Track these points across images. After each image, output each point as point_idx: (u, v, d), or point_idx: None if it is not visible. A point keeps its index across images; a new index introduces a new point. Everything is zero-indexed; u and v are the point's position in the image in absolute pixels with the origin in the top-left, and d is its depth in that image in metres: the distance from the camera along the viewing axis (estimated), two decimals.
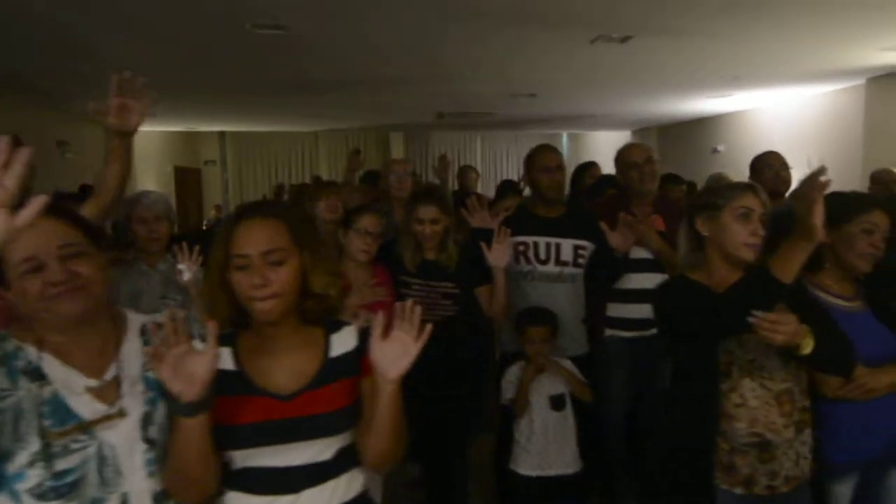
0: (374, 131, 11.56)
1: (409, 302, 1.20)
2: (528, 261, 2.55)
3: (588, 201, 3.35)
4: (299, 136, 11.45)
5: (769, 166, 2.93)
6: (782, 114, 8.07)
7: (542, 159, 2.57)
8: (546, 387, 2.39)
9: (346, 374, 1.26)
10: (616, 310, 2.59)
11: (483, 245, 2.30)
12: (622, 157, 2.69)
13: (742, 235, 1.53)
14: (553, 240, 2.53)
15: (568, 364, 2.41)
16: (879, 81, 6.24)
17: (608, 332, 2.62)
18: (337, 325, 1.32)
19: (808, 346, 1.40)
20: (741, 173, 3.46)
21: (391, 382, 1.17)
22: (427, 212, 2.32)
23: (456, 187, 5.91)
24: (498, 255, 2.27)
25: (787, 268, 1.38)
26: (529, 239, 2.55)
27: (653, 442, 1.74)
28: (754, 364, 1.51)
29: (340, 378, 1.26)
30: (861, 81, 6.47)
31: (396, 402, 1.19)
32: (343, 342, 1.30)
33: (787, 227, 1.78)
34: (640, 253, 2.50)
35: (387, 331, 1.18)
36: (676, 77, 6.20)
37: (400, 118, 9.33)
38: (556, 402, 2.38)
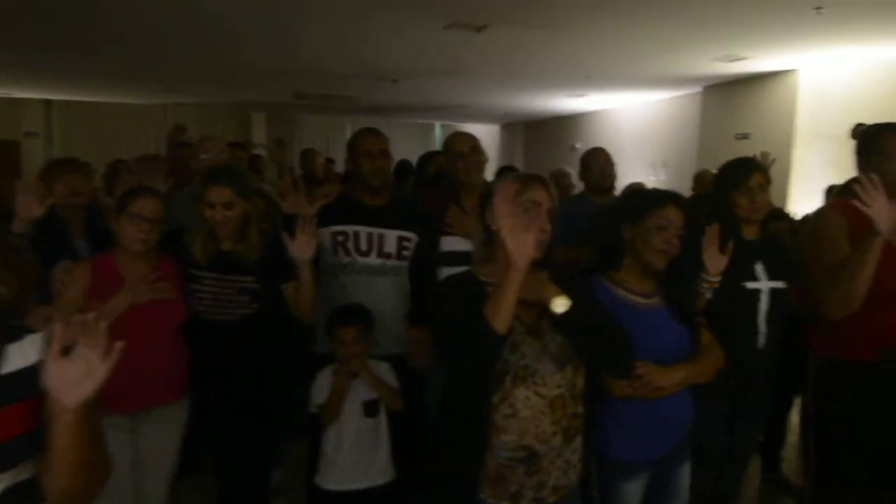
0: (232, 109, 10.76)
1: (92, 314, 0.95)
2: (347, 252, 2.35)
3: (429, 191, 3.23)
4: (145, 110, 10.36)
5: (596, 162, 2.98)
6: (631, 116, 8.62)
7: (364, 143, 2.37)
8: (360, 392, 2.21)
9: (26, 394, 1.02)
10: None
11: (285, 235, 2.06)
12: (448, 146, 2.57)
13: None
14: (376, 230, 2.35)
15: (383, 368, 2.25)
16: (714, 90, 6.81)
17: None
18: (17, 333, 1.06)
19: (561, 305, 1.35)
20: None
21: (70, 412, 0.96)
22: (218, 194, 2.02)
23: (308, 171, 5.56)
24: (301, 247, 2.04)
25: (500, 311, 1.29)
26: (349, 228, 2.35)
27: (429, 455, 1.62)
28: (528, 370, 1.42)
29: (20, 399, 1.03)
30: (699, 89, 7.04)
31: (79, 433, 0.99)
32: (24, 354, 1.05)
33: (614, 221, 1.77)
34: (455, 245, 2.40)
35: (67, 347, 0.95)
36: (532, 71, 6.32)
37: (257, 95, 8.73)
38: (369, 408, 2.21)
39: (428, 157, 4.12)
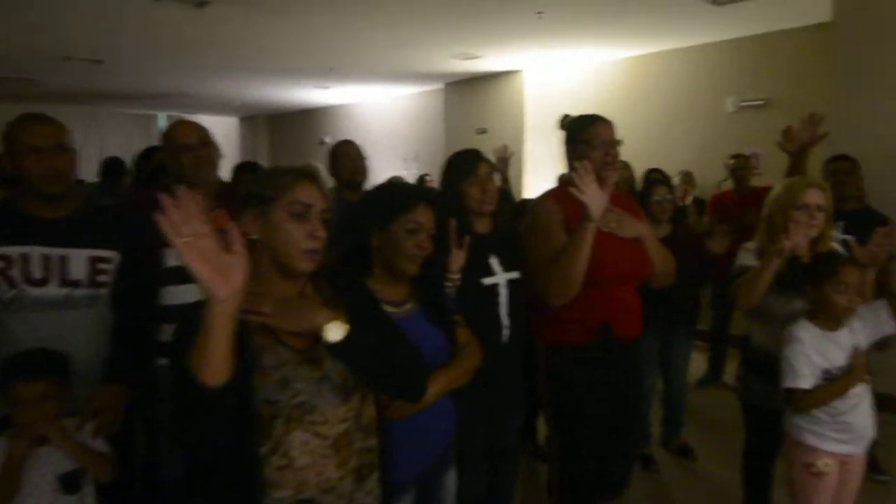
0: None
1: None
2: (11, 283, 1.73)
3: (146, 193, 2.65)
4: None
5: (346, 156, 2.79)
6: (381, 110, 8.75)
7: (27, 135, 1.74)
8: (53, 462, 1.65)
9: None
10: (162, 333, 2.00)
11: None
12: (169, 138, 2.10)
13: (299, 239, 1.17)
14: (55, 251, 1.77)
15: (88, 428, 1.72)
16: (455, 86, 7.23)
17: (161, 360, 2.02)
18: None
19: (335, 332, 1.13)
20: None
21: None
22: None
23: None
24: None
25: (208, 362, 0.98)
26: (14, 251, 1.73)
27: None
28: (304, 408, 1.17)
29: None
30: (441, 85, 7.42)
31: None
32: None
33: (359, 226, 1.55)
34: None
35: None
36: (269, 59, 5.90)
37: None
38: (68, 483, 1.67)
39: (148, 153, 3.46)
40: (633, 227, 2.02)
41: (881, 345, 2.56)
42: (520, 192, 5.96)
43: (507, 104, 6.74)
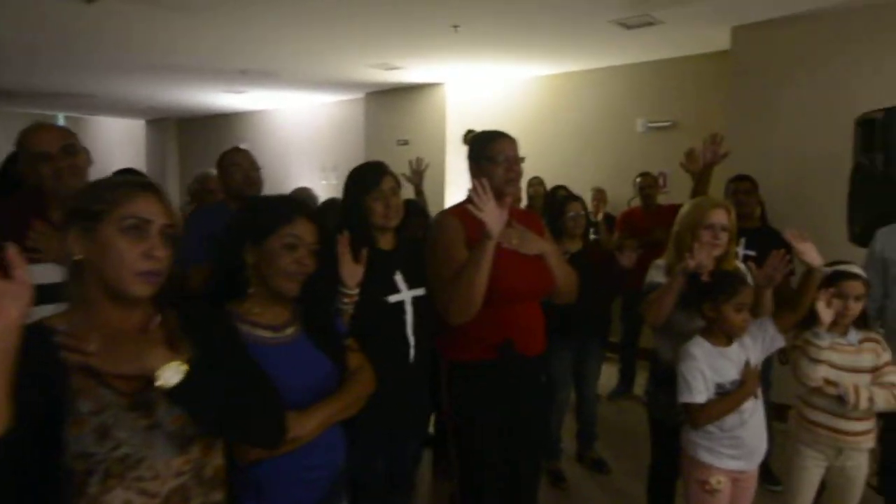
0: None
1: None
2: None
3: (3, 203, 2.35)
4: None
5: (237, 165, 2.59)
6: (299, 117, 8.53)
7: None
8: None
9: None
10: None
11: None
12: (24, 145, 1.88)
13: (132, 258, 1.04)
14: None
15: None
16: (376, 96, 7.16)
17: None
18: None
19: (171, 376, 0.99)
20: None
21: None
22: None
23: None
24: None
25: None
26: None
27: None
28: (128, 461, 1.02)
29: None
30: (361, 95, 7.33)
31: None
32: None
33: (232, 241, 1.43)
34: (47, 275, 1.76)
35: None
36: (173, 59, 5.59)
37: None
38: None
39: (15, 157, 3.14)
40: (536, 244, 2.00)
41: (783, 360, 2.70)
42: (441, 206, 5.95)
43: (429, 116, 6.74)
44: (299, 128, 8.55)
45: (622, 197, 5.15)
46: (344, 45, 5.00)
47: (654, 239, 3.51)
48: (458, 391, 2.03)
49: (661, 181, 4.96)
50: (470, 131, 2.17)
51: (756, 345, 1.96)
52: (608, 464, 3.34)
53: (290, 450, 1.32)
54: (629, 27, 4.27)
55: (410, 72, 6.00)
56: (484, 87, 6.45)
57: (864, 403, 1.97)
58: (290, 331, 1.45)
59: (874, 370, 2.04)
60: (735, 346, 1.94)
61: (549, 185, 5.08)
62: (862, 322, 2.12)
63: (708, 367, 1.90)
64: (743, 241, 3.14)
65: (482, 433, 2.01)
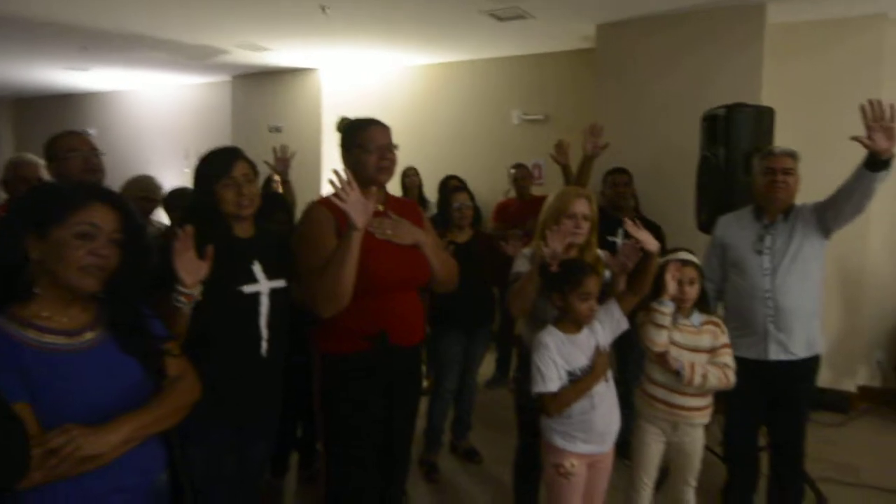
0: None
1: None
2: None
3: None
4: None
5: (75, 151, 2.32)
6: (158, 99, 7.92)
7: None
8: None
9: None
10: None
11: None
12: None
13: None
14: None
15: None
16: (244, 80, 6.79)
17: None
18: None
19: None
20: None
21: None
22: None
23: None
24: None
25: None
26: None
27: None
28: None
29: None
30: (228, 77, 6.92)
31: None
32: None
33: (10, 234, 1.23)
34: None
35: None
36: None
37: None
38: None
39: None
40: (411, 234, 2.01)
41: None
42: (317, 192, 5.78)
43: (304, 102, 6.51)
44: (159, 112, 7.94)
45: (498, 187, 5.28)
46: (201, 21, 4.67)
47: (529, 229, 3.62)
48: (330, 384, 1.99)
49: (535, 172, 5.14)
50: (343, 118, 2.12)
51: (605, 329, 2.06)
52: (480, 453, 3.40)
53: (89, 470, 1.16)
54: (501, 19, 4.35)
55: (281, 54, 5.74)
56: (361, 75, 6.33)
57: (697, 380, 2.13)
58: (89, 335, 1.28)
59: (712, 351, 2.21)
60: (584, 333, 2.02)
61: (425, 175, 5.09)
62: (704, 305, 2.29)
63: (559, 356, 1.96)
64: (621, 231, 3.29)
65: (355, 428, 1.98)
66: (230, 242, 1.78)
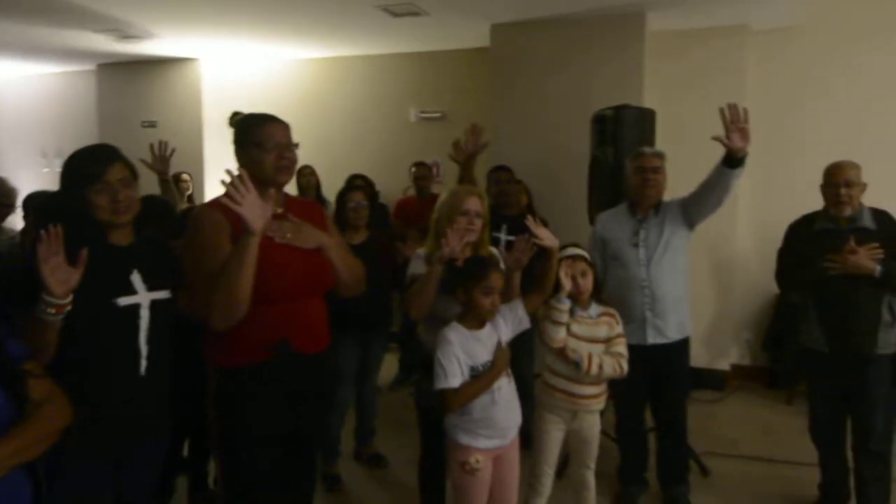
0: None
1: None
2: None
3: None
4: None
5: None
6: (12, 91, 7.16)
7: None
8: None
9: None
10: None
11: None
12: None
13: None
14: None
15: None
16: (112, 69, 6.30)
17: None
18: None
19: None
20: None
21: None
22: None
23: None
24: None
25: None
26: None
27: None
28: None
29: None
30: (92, 66, 6.38)
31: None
32: None
33: None
34: None
35: None
36: None
37: None
38: None
39: None
40: (313, 237, 1.93)
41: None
42: (201, 197, 5.50)
43: (182, 95, 6.16)
44: (9, 104, 7.19)
45: (397, 185, 5.30)
46: (68, 8, 4.28)
47: (428, 228, 3.67)
48: (226, 399, 1.88)
49: (435, 170, 5.22)
50: (236, 113, 2.01)
51: (507, 326, 2.14)
52: (386, 458, 3.41)
53: None
54: (396, 15, 4.37)
55: (153, 43, 5.38)
56: (247, 67, 6.09)
57: (594, 370, 2.28)
58: None
59: (608, 341, 2.38)
60: (487, 329, 2.09)
61: (323, 174, 5.01)
62: (600, 296, 2.46)
63: (462, 351, 2.01)
64: (505, 227, 3.45)
65: (255, 445, 1.88)
66: (106, 250, 1.66)
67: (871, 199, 2.69)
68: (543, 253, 2.17)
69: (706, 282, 4.63)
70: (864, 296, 2.58)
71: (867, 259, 2.49)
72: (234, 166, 1.85)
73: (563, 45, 4.40)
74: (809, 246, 2.67)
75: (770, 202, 4.55)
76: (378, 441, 3.48)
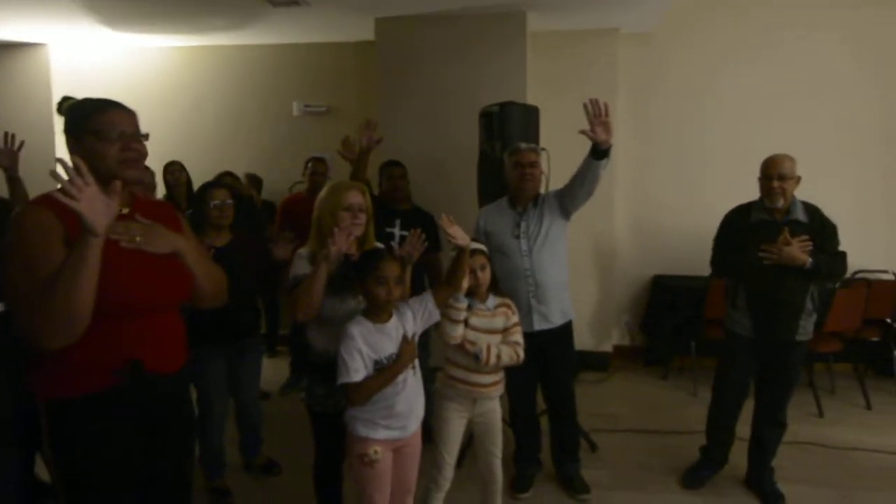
0: None
1: None
2: None
3: None
4: None
5: None
6: None
7: None
8: None
9: None
10: None
11: None
12: None
13: None
14: None
15: None
16: None
17: None
18: None
19: None
20: None
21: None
22: None
23: None
24: None
25: None
26: None
27: None
28: None
29: None
30: None
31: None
32: None
33: None
34: None
35: None
36: None
37: None
38: None
39: None
40: (167, 241, 1.72)
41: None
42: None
43: (27, 85, 5.64)
44: None
45: (282, 182, 5.21)
46: None
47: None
48: (64, 437, 1.63)
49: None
50: (67, 98, 1.79)
51: (417, 319, 2.21)
52: (279, 464, 3.36)
53: None
54: (275, 4, 4.29)
55: None
56: (106, 55, 5.69)
57: (493, 360, 2.41)
58: None
59: (505, 330, 2.52)
60: (394, 322, 2.14)
61: (195, 171, 4.79)
62: (497, 287, 2.61)
63: (365, 345, 2.05)
64: (398, 222, 3.54)
65: (105, 493, 1.66)
66: None
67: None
68: (436, 248, 2.22)
69: (590, 271, 5.02)
70: (792, 286, 2.84)
71: (799, 251, 2.75)
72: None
73: (449, 41, 4.54)
74: (745, 236, 2.91)
75: (644, 197, 5.03)
76: (269, 448, 3.41)
